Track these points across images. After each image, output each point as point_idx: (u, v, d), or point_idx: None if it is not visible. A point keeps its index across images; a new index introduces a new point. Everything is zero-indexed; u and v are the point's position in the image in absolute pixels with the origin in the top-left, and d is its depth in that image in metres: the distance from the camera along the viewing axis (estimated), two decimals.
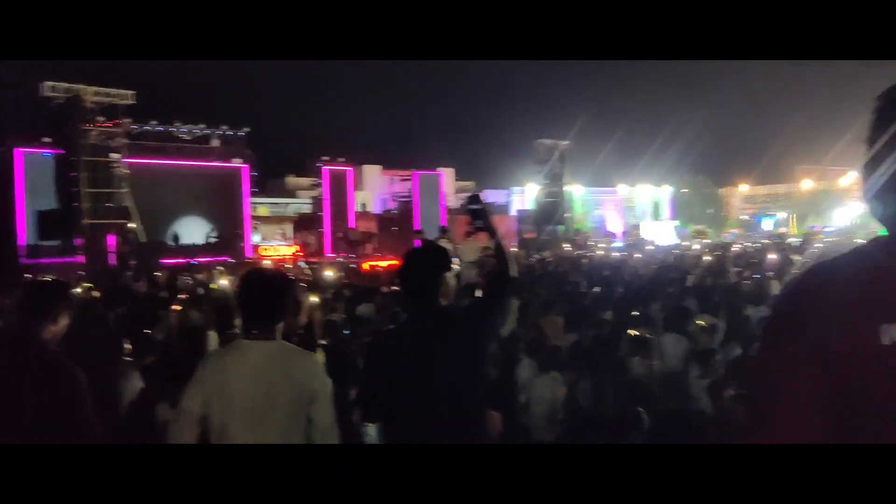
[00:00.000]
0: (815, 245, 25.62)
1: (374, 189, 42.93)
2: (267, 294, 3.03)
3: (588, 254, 25.16)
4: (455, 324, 2.92)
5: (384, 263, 21.63)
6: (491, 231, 3.14)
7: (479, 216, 3.16)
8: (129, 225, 24.52)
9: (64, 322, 3.10)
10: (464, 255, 15.86)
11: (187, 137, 29.12)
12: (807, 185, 60.22)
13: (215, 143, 29.95)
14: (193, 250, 24.49)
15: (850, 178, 60.12)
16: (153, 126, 27.91)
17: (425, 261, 3.01)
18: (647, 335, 6.90)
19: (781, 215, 56.77)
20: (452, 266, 2.89)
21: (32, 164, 24.07)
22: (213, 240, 26.56)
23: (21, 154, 23.86)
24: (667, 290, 11.76)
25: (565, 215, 35.11)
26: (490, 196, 44.95)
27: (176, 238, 25.68)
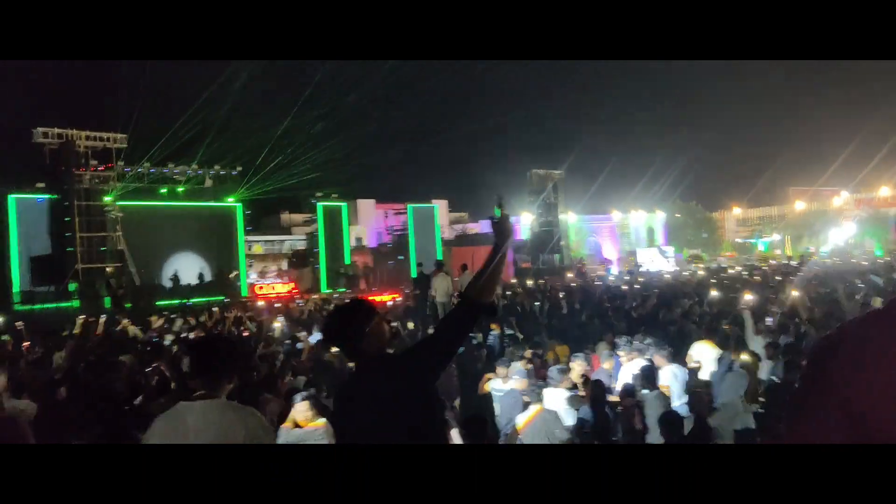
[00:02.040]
0: (811, 265, 25.67)
1: (368, 223, 43.00)
2: (207, 355, 3.09)
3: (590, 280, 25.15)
4: (393, 373, 2.84)
5: (381, 298, 21.53)
6: (499, 249, 3.04)
7: (501, 227, 3.08)
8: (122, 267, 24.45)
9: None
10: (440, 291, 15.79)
11: (181, 178, 29.19)
12: (800, 206, 60.48)
13: (209, 182, 30.02)
14: (189, 291, 24.39)
15: (843, 198, 60.52)
16: (146, 168, 27.97)
17: (344, 316, 2.99)
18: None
19: (776, 237, 56.92)
20: (374, 317, 2.86)
21: (26, 209, 24.07)
22: (208, 280, 26.46)
23: (14, 200, 23.86)
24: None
25: (561, 243, 35.14)
26: (485, 227, 45.04)
27: (176, 279, 25.53)
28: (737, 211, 66.17)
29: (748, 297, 9.49)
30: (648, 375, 6.68)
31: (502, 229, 3.02)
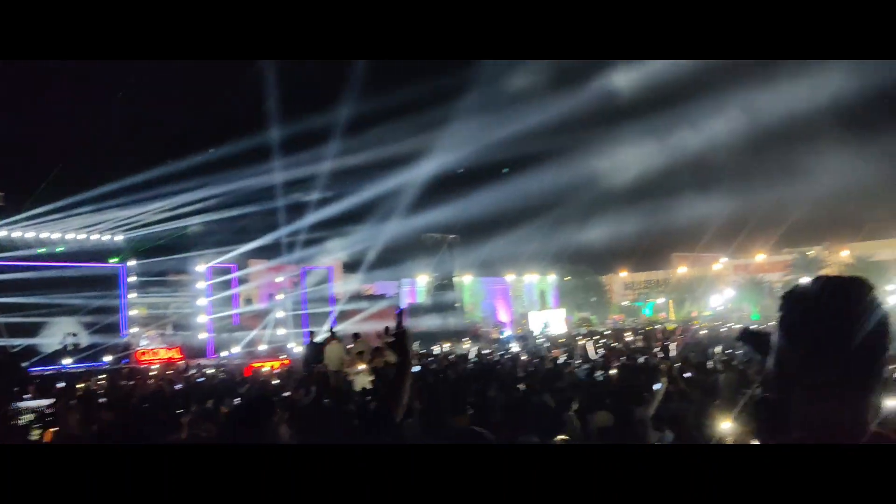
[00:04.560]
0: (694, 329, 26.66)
1: (259, 284, 41.99)
2: None
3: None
4: None
5: (267, 364, 20.89)
6: (403, 369, 3.02)
7: (400, 344, 3.04)
8: None
9: None
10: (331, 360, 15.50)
11: (60, 238, 27.76)
12: (682, 271, 63.21)
13: (91, 243, 28.68)
14: (64, 356, 23.01)
15: (722, 263, 63.69)
16: (24, 228, 26.50)
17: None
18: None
19: (660, 301, 59.09)
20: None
21: None
22: (85, 345, 25.05)
23: None
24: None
25: (456, 305, 35.31)
26: (380, 288, 44.78)
27: (65, 345, 24.02)
28: (623, 275, 68.47)
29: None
30: None
31: (401, 347, 3.00)
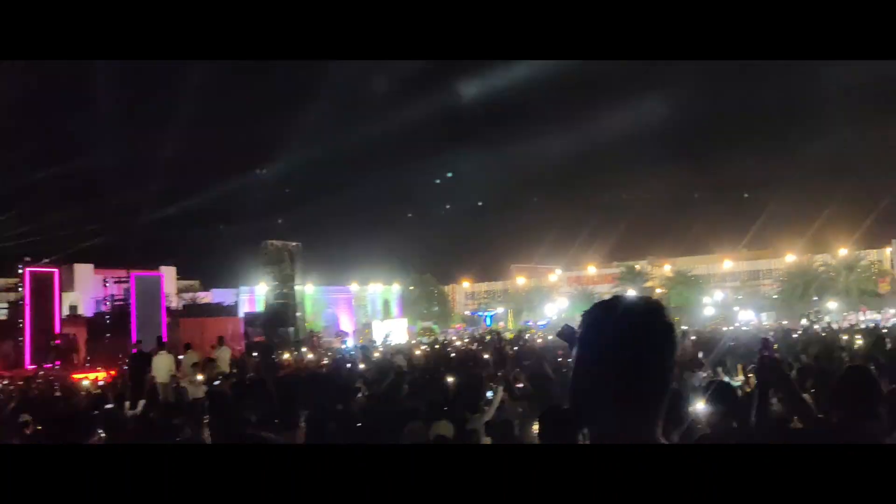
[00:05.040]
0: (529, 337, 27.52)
1: (85, 290, 39.28)
2: None
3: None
4: None
5: (93, 375, 19.54)
6: None
7: None
8: None
9: None
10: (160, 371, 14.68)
11: None
12: (521, 281, 65.36)
13: None
14: None
15: (557, 275, 66.44)
16: None
17: None
18: None
19: (500, 311, 60.75)
20: None
21: None
22: None
23: None
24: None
25: (297, 315, 34.58)
26: (217, 296, 43.15)
27: None
28: (466, 285, 69.93)
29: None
30: None
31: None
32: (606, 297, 1.69)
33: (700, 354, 12.80)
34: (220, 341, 17.97)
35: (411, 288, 58.90)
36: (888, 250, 59.83)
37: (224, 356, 15.75)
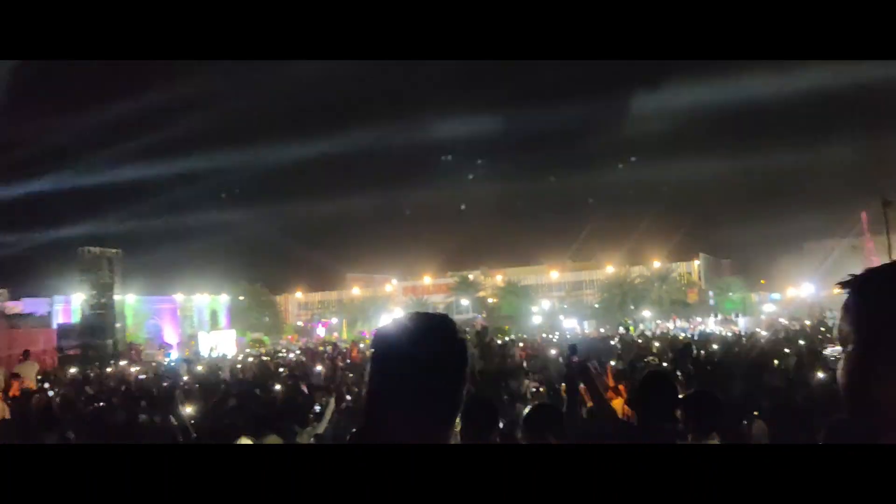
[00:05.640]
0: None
1: None
2: None
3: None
4: None
5: None
6: None
7: None
8: None
9: None
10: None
11: None
12: (356, 292, 65.18)
13: None
14: None
15: (394, 285, 66.87)
16: None
17: None
18: None
19: (334, 321, 60.25)
20: None
21: None
22: None
23: None
24: None
25: (116, 326, 32.62)
26: (28, 306, 39.99)
27: None
28: (299, 295, 68.86)
29: None
30: None
31: None
32: (419, 311, 1.76)
33: (525, 364, 13.25)
34: (26, 355, 16.61)
35: (241, 298, 57.20)
36: (696, 263, 65.00)
37: (29, 372, 14.52)
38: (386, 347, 1.58)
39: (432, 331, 1.57)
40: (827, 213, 62.57)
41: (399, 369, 1.53)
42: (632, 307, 53.13)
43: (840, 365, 1.26)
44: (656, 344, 20.43)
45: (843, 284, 1.27)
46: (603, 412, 4.37)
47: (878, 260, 41.21)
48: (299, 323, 63.01)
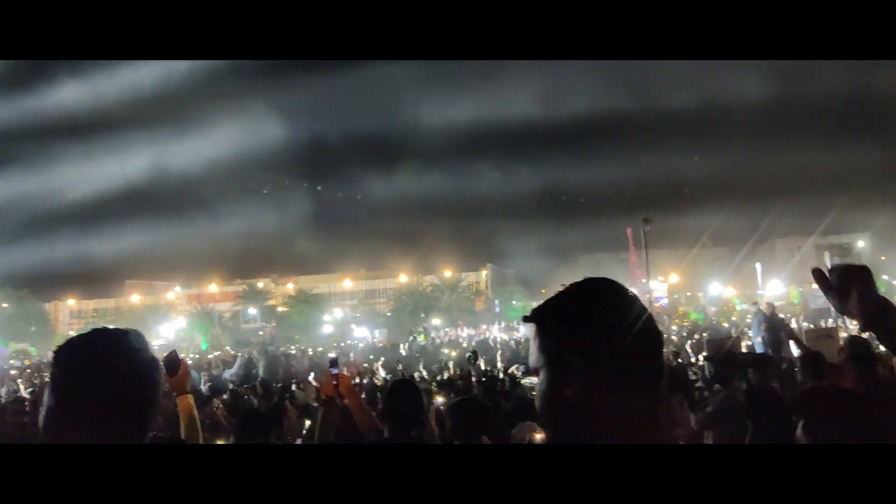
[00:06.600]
0: None
1: None
2: None
3: None
4: None
5: None
6: None
7: None
8: None
9: None
10: None
11: None
12: (135, 299, 61.56)
13: None
14: None
15: (176, 293, 63.84)
16: None
17: None
18: None
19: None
20: None
21: None
22: None
23: None
24: None
25: None
26: None
27: None
28: (71, 302, 64.08)
29: None
30: None
31: None
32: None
33: (312, 375, 13.26)
34: None
35: (4, 305, 52.20)
36: (484, 273, 67.90)
37: None
38: (66, 366, 1.57)
39: (115, 347, 1.58)
40: (600, 229, 68.51)
41: (79, 387, 1.53)
42: (422, 315, 54.38)
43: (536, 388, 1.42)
44: (444, 350, 21.19)
45: (526, 319, 1.41)
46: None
47: (640, 273, 45.45)
48: (71, 332, 58.44)
